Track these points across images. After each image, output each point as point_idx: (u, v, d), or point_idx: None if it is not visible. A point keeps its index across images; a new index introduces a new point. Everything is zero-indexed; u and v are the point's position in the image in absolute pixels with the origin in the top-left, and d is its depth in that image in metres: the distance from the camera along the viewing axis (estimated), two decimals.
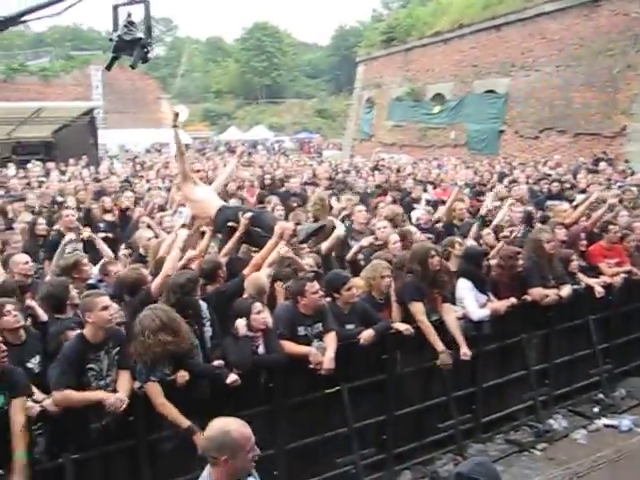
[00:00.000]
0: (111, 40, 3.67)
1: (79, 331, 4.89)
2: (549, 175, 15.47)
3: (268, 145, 49.41)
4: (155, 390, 4.76)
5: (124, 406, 4.61)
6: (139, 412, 4.78)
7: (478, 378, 6.77)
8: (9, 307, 4.86)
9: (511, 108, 26.10)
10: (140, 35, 3.68)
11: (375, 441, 6.09)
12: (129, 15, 3.63)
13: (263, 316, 5.39)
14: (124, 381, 4.82)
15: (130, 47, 3.66)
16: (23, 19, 3.23)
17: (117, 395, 4.63)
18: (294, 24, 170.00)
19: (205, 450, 3.01)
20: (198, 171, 7.20)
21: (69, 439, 4.63)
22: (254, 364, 5.27)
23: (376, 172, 16.46)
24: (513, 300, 6.91)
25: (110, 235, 8.98)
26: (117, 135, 34.75)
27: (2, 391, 4.38)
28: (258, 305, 5.39)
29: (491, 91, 27.33)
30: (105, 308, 4.77)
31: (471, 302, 6.65)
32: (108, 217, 9.72)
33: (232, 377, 5.01)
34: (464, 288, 6.71)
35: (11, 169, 17.86)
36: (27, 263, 6.40)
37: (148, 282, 5.77)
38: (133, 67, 3.79)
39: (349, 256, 7.45)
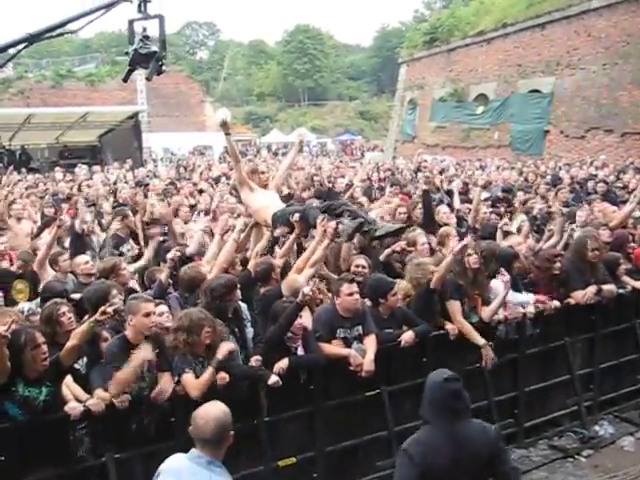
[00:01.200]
0: (127, 53, 3.80)
1: (121, 333, 4.96)
2: (595, 176, 15.19)
3: (310, 147, 49.56)
4: (190, 381, 4.82)
5: (166, 395, 4.74)
6: (179, 414, 4.80)
7: (520, 382, 6.67)
8: (64, 309, 4.97)
9: (556, 108, 25.65)
10: (155, 49, 3.80)
11: None
12: (144, 29, 3.74)
13: (299, 320, 5.38)
14: (165, 382, 4.88)
15: (146, 60, 3.78)
16: (47, 35, 3.35)
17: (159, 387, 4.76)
18: (336, 26, 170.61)
19: None
20: (263, 172, 7.16)
21: (111, 438, 4.71)
22: (292, 365, 5.27)
23: (419, 174, 16.34)
24: (556, 303, 6.80)
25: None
26: (161, 138, 35.25)
27: (46, 385, 4.47)
28: None
29: (536, 91, 26.90)
30: (148, 315, 4.85)
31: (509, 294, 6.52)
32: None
33: (273, 378, 5.04)
34: (499, 287, 6.59)
35: (58, 173, 18.22)
36: (87, 263, 6.62)
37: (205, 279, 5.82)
38: (149, 79, 3.91)
39: (382, 257, 7.38)
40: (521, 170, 17.96)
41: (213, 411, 3.31)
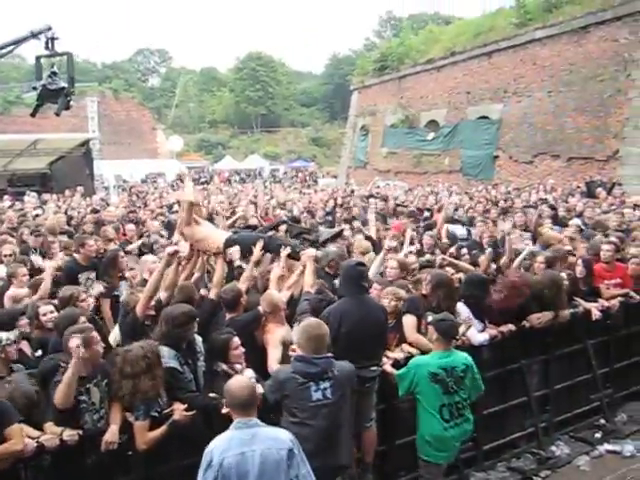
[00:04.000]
0: (34, 89, 3.81)
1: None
2: (545, 199, 15.56)
3: (264, 175, 49.67)
4: (142, 429, 4.71)
5: (115, 445, 4.59)
6: (135, 448, 4.70)
7: (478, 405, 6.72)
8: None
9: (504, 133, 26.27)
10: (63, 84, 3.81)
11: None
12: (52, 66, 3.76)
13: (239, 351, 5.35)
14: (116, 414, 4.79)
15: (54, 95, 3.82)
16: None
17: (106, 436, 4.60)
18: (288, 53, 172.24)
19: None
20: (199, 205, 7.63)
21: (66, 475, 4.57)
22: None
23: (370, 199, 16.53)
24: (511, 326, 6.88)
25: None
26: (113, 166, 34.89)
27: None
28: (236, 340, 5.36)
29: (484, 117, 27.52)
30: (98, 342, 4.79)
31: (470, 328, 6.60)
32: (110, 247, 9.45)
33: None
34: (463, 311, 6.68)
35: (6, 202, 17.83)
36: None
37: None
38: (57, 114, 3.92)
39: None
40: (471, 195, 18.32)
41: (243, 380, 4.13)
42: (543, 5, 25.15)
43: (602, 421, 7.63)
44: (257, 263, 6.91)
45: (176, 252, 6.09)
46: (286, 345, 5.56)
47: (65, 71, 3.73)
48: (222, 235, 7.11)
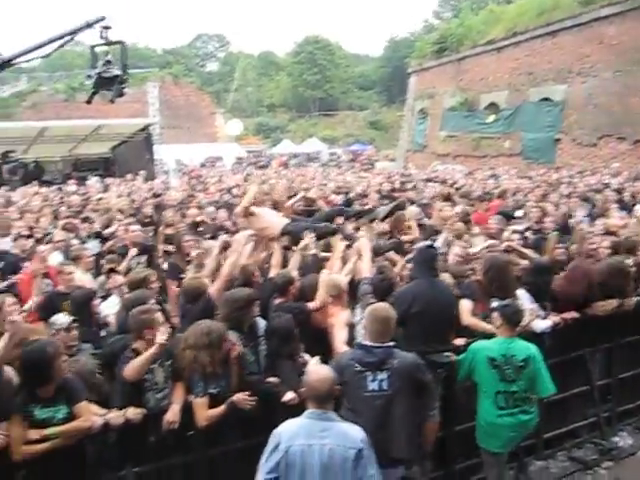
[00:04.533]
0: (90, 77, 3.88)
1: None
2: (607, 184, 15.11)
3: (321, 158, 49.68)
4: (201, 406, 4.77)
5: (176, 425, 4.68)
6: (196, 427, 4.78)
7: None
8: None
9: (568, 115, 25.58)
10: (117, 72, 3.88)
11: None
12: (107, 54, 3.83)
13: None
14: (179, 393, 4.88)
15: (109, 83, 3.89)
16: (15, 61, 3.46)
17: (167, 415, 4.70)
18: (345, 36, 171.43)
19: None
20: (267, 194, 8.06)
21: (129, 452, 4.70)
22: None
23: (429, 183, 16.39)
24: (574, 314, 6.72)
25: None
26: (172, 150, 35.40)
27: (63, 402, 4.43)
28: None
29: (547, 99, 26.84)
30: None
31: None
32: (169, 231, 9.70)
33: (289, 395, 4.95)
34: (523, 296, 6.55)
35: (72, 186, 18.34)
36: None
37: (207, 290, 5.95)
38: (112, 101, 3.99)
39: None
40: (532, 178, 17.93)
41: (325, 371, 3.91)
42: None
43: None
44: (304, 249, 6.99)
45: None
46: (350, 327, 5.60)
47: (119, 59, 3.85)
48: (280, 223, 7.38)
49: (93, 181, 19.65)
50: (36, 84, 49.18)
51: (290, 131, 67.56)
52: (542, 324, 6.44)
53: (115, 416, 4.57)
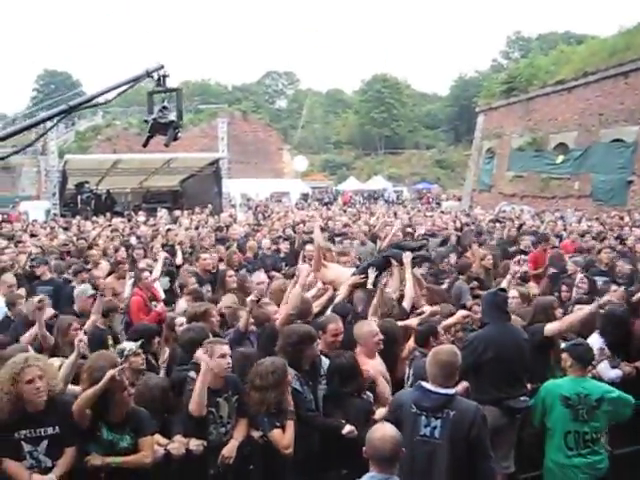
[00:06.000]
0: (146, 122, 4.19)
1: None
2: None
3: (387, 196, 49.70)
4: (279, 436, 4.79)
5: (231, 460, 4.72)
6: (257, 461, 4.83)
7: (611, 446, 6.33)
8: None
9: None
10: (173, 118, 4.17)
11: None
12: (163, 100, 4.15)
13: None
14: (241, 429, 4.94)
15: (164, 128, 4.15)
16: (83, 106, 3.81)
17: (224, 450, 4.77)
18: (413, 75, 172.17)
19: None
20: (345, 254, 9.45)
21: None
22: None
23: (497, 224, 16.19)
24: None
25: None
26: (239, 184, 36.03)
27: (129, 432, 4.54)
28: None
29: (618, 140, 26.26)
30: (223, 356, 4.91)
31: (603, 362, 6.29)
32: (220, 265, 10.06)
33: (348, 427, 4.90)
34: (595, 346, 6.35)
35: (141, 217, 18.90)
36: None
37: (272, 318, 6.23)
38: (167, 145, 4.29)
39: None
40: (603, 221, 17.52)
41: (389, 431, 3.64)
42: None
43: None
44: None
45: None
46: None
47: (175, 105, 4.16)
48: (347, 272, 7.82)
49: (162, 213, 20.18)
50: (111, 118, 51.14)
51: (356, 168, 67.88)
52: (612, 373, 6.24)
53: (177, 447, 4.64)
